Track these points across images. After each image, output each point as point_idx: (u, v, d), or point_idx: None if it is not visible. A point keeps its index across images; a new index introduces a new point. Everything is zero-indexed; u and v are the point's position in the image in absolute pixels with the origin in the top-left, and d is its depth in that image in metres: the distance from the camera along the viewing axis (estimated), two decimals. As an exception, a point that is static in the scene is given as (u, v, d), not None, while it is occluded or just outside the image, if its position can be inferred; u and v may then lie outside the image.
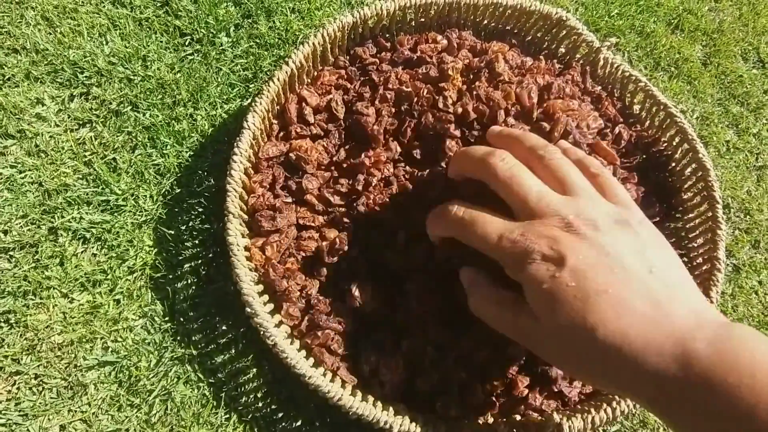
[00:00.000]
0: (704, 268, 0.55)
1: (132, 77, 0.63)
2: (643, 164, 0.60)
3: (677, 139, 0.60)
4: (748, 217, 0.66)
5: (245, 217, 0.51)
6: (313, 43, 0.53)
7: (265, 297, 0.49)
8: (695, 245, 0.57)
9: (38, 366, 0.52)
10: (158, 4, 0.66)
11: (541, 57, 0.62)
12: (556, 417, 0.46)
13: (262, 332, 0.46)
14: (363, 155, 0.51)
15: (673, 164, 0.60)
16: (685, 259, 0.57)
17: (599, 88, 0.63)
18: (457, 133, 0.51)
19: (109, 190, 0.58)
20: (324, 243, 0.49)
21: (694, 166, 0.58)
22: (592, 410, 0.46)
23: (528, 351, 0.47)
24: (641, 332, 0.29)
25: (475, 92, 0.52)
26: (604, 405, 0.46)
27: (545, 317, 0.32)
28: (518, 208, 0.36)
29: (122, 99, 0.62)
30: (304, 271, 0.51)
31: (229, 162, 0.49)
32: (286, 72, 0.52)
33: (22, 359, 0.53)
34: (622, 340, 0.29)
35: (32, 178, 0.58)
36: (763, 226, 0.65)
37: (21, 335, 0.54)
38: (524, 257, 0.33)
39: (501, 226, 0.35)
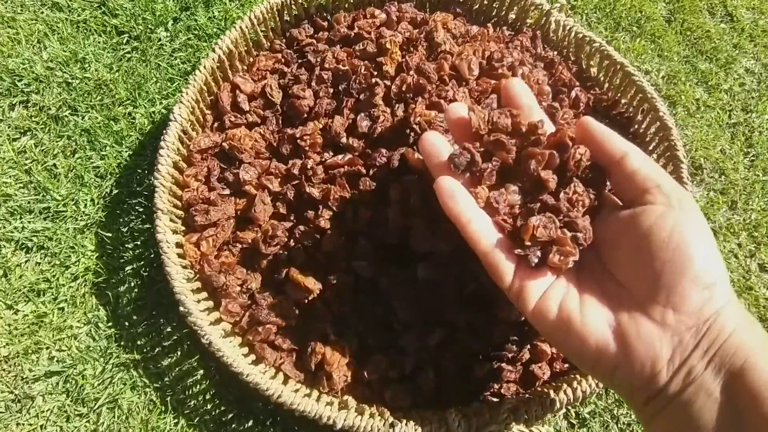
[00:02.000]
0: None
1: (71, 81, 0.61)
2: (605, 129, 0.57)
3: (637, 100, 0.56)
4: (723, 177, 0.62)
5: (180, 213, 0.49)
6: (241, 28, 0.51)
7: (204, 294, 0.47)
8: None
9: (-14, 381, 0.51)
10: (95, 5, 0.65)
11: (489, 25, 0.59)
12: (514, 401, 0.43)
13: (197, 331, 0.43)
14: (295, 130, 0.49)
15: (636, 126, 0.57)
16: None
17: (553, 52, 0.60)
18: (388, 110, 0.48)
19: (50, 196, 0.56)
20: (259, 234, 0.47)
21: (656, 125, 0.55)
22: (551, 392, 0.43)
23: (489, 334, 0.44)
24: None
25: (408, 65, 0.49)
26: (564, 386, 0.43)
27: None
28: None
29: (61, 104, 0.60)
30: (244, 264, 0.48)
31: (156, 157, 0.47)
32: (213, 59, 0.50)
33: (-31, 375, 0.51)
34: None
35: (-26, 190, 0.57)
36: (740, 185, 0.62)
37: (-32, 350, 0.52)
38: None
39: None
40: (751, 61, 0.69)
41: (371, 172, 0.49)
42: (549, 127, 0.36)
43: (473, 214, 0.33)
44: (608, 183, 0.34)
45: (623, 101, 0.58)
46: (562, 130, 0.33)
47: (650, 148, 0.56)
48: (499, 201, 0.34)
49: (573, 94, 0.57)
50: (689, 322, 0.27)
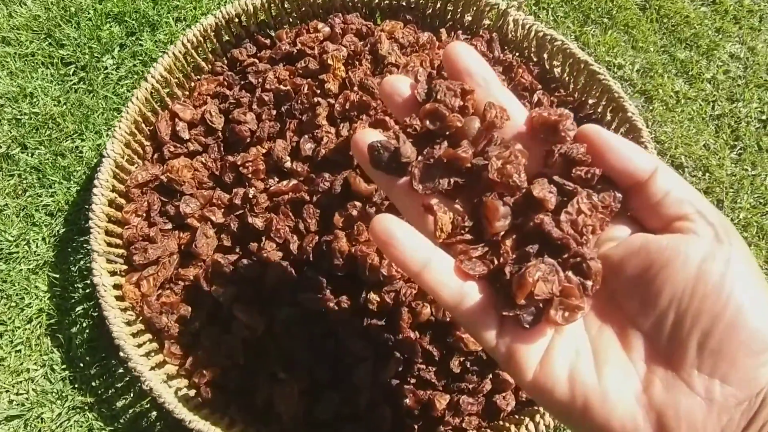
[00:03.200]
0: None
1: (20, 117, 0.60)
2: (571, 132, 0.53)
3: (605, 100, 0.52)
4: (707, 174, 0.58)
5: (121, 251, 0.47)
6: (174, 53, 0.49)
7: (148, 336, 0.45)
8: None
9: (-52, 428, 0.51)
10: (42, 36, 0.63)
11: (443, 30, 0.56)
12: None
13: (137, 377, 0.42)
14: (237, 156, 0.47)
15: (605, 128, 0.53)
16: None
17: (512, 55, 0.56)
18: (332, 130, 0.45)
19: (2, 237, 0.55)
20: (201, 270, 0.45)
21: (625, 127, 0.51)
22: (512, 427, 0.40)
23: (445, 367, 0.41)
24: None
25: (351, 82, 0.46)
26: (526, 420, 0.40)
27: None
28: None
29: (11, 141, 0.59)
30: (188, 302, 0.47)
31: (90, 196, 0.45)
32: (146, 89, 0.48)
33: (-69, 422, 0.51)
34: None
35: (-72, 235, 0.57)
36: (726, 182, 0.57)
37: (-71, 398, 0.52)
38: None
39: None
40: (736, 45, 0.64)
41: (314, 198, 0.46)
42: (518, 113, 0.25)
43: (426, 257, 0.24)
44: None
45: (590, 102, 0.54)
46: (540, 113, 0.24)
47: (620, 151, 0.52)
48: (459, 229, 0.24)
49: (535, 98, 0.53)
50: (740, 396, 0.21)
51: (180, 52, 0.49)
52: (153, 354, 0.44)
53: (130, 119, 0.47)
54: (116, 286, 0.45)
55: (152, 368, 0.43)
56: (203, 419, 0.41)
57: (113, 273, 0.45)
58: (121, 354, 0.42)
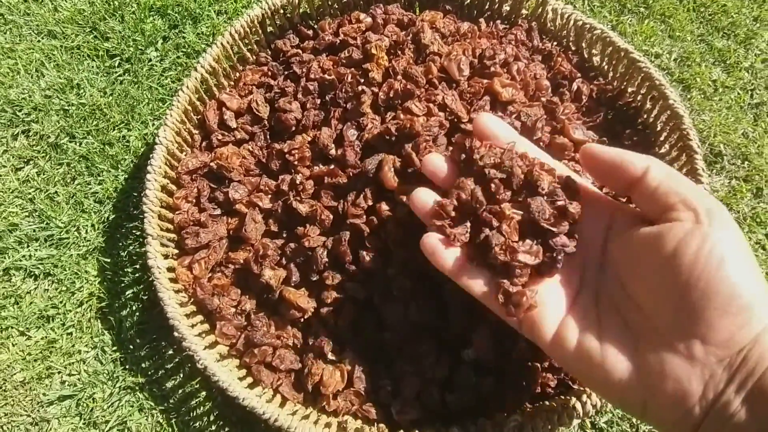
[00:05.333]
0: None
1: (67, 108, 0.62)
2: (611, 120, 0.54)
3: (645, 88, 0.53)
4: (746, 163, 0.58)
5: (173, 236, 0.49)
6: (222, 44, 0.50)
7: (200, 317, 0.47)
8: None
9: (5, 405, 0.52)
10: (87, 30, 0.65)
11: (482, 20, 0.56)
12: (518, 418, 0.41)
13: (192, 356, 0.43)
14: (283, 144, 0.48)
15: (645, 116, 0.53)
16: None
17: (551, 44, 0.56)
18: (377, 117, 0.46)
19: (53, 224, 0.57)
20: (251, 254, 0.46)
21: (667, 114, 0.51)
22: (559, 407, 0.41)
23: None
24: None
25: (395, 70, 0.47)
26: (573, 399, 0.41)
27: None
28: None
29: (60, 131, 0.61)
30: (238, 285, 0.48)
31: (144, 182, 0.47)
32: (196, 78, 0.49)
33: (-10, 399, 0.53)
34: None
35: (-16, 221, 0.59)
36: (765, 170, 0.57)
37: (-13, 375, 0.54)
38: None
39: None
40: (774, 33, 0.64)
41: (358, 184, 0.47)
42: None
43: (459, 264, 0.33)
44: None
45: (630, 90, 0.54)
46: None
47: (661, 139, 0.52)
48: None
49: (574, 86, 0.54)
50: (720, 354, 0.24)
51: (228, 42, 0.50)
52: (205, 335, 0.46)
53: (180, 108, 0.48)
54: (169, 269, 0.46)
55: (206, 348, 0.44)
56: (256, 397, 0.42)
57: (166, 256, 0.47)
58: (176, 334, 0.44)
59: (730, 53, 0.62)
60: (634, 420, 0.50)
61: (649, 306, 0.27)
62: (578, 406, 0.41)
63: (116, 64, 0.63)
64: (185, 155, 0.51)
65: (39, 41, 0.66)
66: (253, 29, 0.52)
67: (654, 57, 0.61)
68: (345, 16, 0.55)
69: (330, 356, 0.45)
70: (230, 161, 0.49)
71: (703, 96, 0.60)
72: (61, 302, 0.55)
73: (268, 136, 0.52)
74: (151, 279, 0.54)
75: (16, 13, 0.68)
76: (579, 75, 0.55)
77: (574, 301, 0.31)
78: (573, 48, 0.57)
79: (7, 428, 0.52)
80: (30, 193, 0.59)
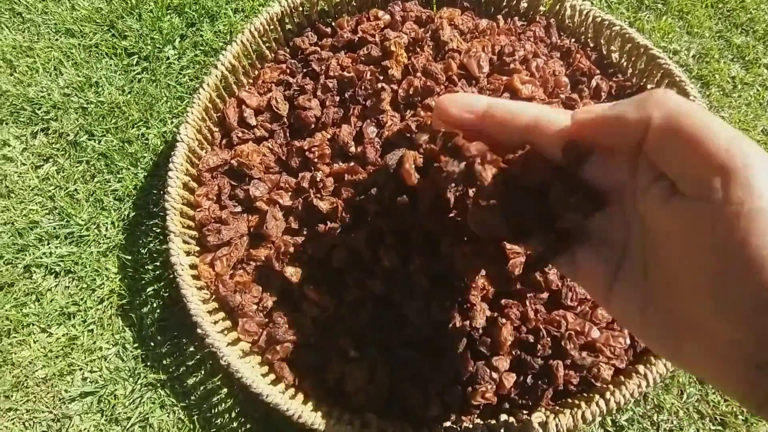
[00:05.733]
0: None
1: (86, 106, 0.62)
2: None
3: (665, 84, 0.52)
4: (766, 160, 0.57)
5: (194, 233, 0.49)
6: (242, 41, 0.50)
7: (221, 314, 0.47)
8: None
9: (27, 401, 0.53)
10: (105, 28, 0.66)
11: (500, 17, 0.56)
12: (542, 415, 0.41)
13: (215, 352, 0.43)
14: (303, 142, 0.48)
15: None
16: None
17: (570, 40, 0.56)
18: (397, 115, 0.46)
19: (73, 221, 0.57)
20: (272, 251, 0.47)
21: (687, 111, 0.51)
22: (582, 404, 0.41)
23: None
24: None
25: (415, 67, 0.47)
26: (597, 397, 0.41)
27: None
28: None
29: (79, 129, 0.61)
30: (259, 282, 0.48)
31: (166, 179, 0.47)
32: (216, 76, 0.49)
33: (12, 396, 0.53)
34: None
35: (4, 219, 0.59)
36: (786, 168, 0.57)
37: (9, 372, 0.54)
38: None
39: None
40: (793, 29, 0.63)
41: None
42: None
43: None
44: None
45: (649, 86, 0.54)
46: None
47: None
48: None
49: (593, 83, 0.53)
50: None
51: (248, 40, 0.50)
52: (227, 332, 0.46)
53: (201, 105, 0.49)
54: (191, 266, 0.47)
55: (228, 345, 0.44)
56: (279, 393, 0.42)
57: (188, 253, 0.47)
58: (199, 331, 0.44)
59: (749, 50, 0.62)
60: (655, 418, 0.50)
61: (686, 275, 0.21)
62: (601, 403, 0.41)
63: (134, 62, 0.63)
64: (205, 153, 0.51)
65: (57, 39, 0.67)
66: (272, 27, 0.52)
67: (672, 54, 0.61)
68: (363, 13, 0.55)
69: (352, 353, 0.45)
70: (251, 158, 0.49)
71: (722, 93, 0.60)
72: (81, 299, 0.55)
73: (287, 134, 0.52)
74: (171, 276, 0.55)
75: (34, 12, 0.69)
76: (598, 72, 0.54)
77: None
78: (591, 45, 0.57)
79: (29, 424, 0.52)
80: (50, 191, 0.59)
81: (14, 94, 0.64)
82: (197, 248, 0.49)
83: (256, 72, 0.55)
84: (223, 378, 0.51)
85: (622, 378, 0.42)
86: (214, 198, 0.50)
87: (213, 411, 0.50)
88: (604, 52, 0.56)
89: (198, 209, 0.49)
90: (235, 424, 0.50)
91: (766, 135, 0.59)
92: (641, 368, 0.41)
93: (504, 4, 0.58)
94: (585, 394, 0.43)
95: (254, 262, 0.48)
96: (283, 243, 0.47)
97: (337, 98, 0.51)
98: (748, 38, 0.62)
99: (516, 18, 0.57)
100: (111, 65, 0.64)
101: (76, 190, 0.59)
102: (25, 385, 0.54)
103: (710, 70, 0.60)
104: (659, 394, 0.51)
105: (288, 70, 0.54)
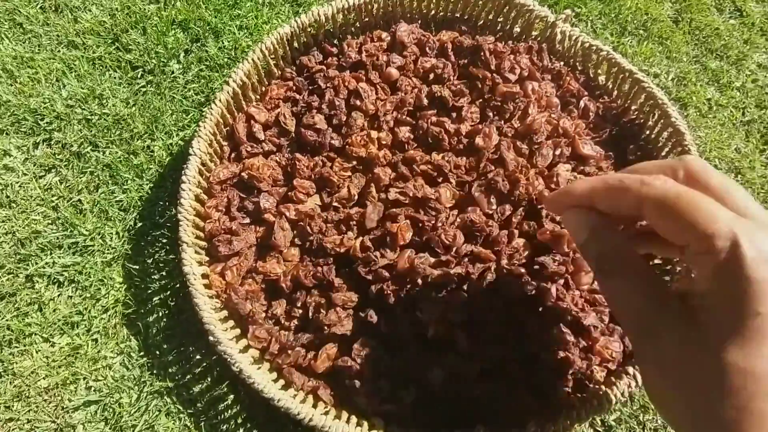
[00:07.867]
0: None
1: (90, 117, 0.63)
2: (616, 136, 0.57)
3: (648, 106, 0.56)
4: (739, 176, 0.62)
5: (203, 244, 0.50)
6: (253, 59, 0.52)
7: (231, 323, 0.48)
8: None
9: (28, 411, 0.53)
10: (109, 41, 0.67)
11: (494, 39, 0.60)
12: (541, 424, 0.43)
13: (227, 359, 0.45)
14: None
15: (647, 132, 0.57)
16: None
17: (559, 63, 0.60)
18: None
19: (77, 231, 0.58)
20: (279, 261, 0.48)
21: (668, 131, 0.55)
22: (577, 403, 0.44)
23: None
24: None
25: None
26: (593, 400, 0.44)
27: None
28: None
29: (82, 140, 0.62)
30: (269, 290, 0.50)
31: (179, 191, 0.48)
32: (228, 92, 0.51)
33: (13, 406, 0.53)
34: None
35: (5, 228, 0.59)
36: (757, 183, 0.61)
37: (10, 382, 0.54)
38: None
39: None
40: (763, 56, 0.69)
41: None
42: None
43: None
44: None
45: (633, 108, 0.58)
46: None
47: (663, 153, 0.56)
48: None
49: (582, 104, 0.57)
50: None
51: (258, 58, 0.52)
52: (237, 339, 0.47)
53: (213, 120, 0.50)
54: (203, 276, 0.48)
55: (240, 351, 0.46)
56: (290, 398, 0.44)
57: (199, 263, 0.49)
58: (210, 338, 0.45)
59: (723, 73, 0.66)
60: (641, 417, 0.53)
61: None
62: (595, 402, 0.44)
63: (139, 76, 0.64)
64: (215, 166, 0.53)
65: (59, 51, 0.67)
66: (281, 45, 0.54)
67: (653, 77, 0.66)
68: (367, 34, 0.58)
69: (361, 356, 0.47)
70: (261, 172, 0.51)
71: (698, 113, 0.64)
72: (85, 309, 0.56)
73: (294, 148, 0.54)
74: (177, 286, 0.56)
75: (35, 23, 0.69)
76: (586, 93, 0.58)
77: None
78: (580, 68, 0.60)
79: (30, 434, 0.53)
80: (53, 201, 0.60)
81: (15, 105, 0.65)
82: (206, 258, 0.50)
83: (264, 88, 0.57)
84: (230, 385, 0.52)
85: (613, 379, 0.45)
86: (224, 209, 0.52)
87: (219, 418, 0.51)
88: (592, 75, 0.60)
89: (208, 220, 0.51)
90: (241, 430, 0.51)
91: (739, 153, 0.63)
92: (630, 369, 0.45)
93: (498, 28, 0.62)
94: (579, 394, 0.46)
95: (263, 272, 0.49)
96: (289, 254, 0.48)
97: (344, 117, 0.53)
98: (722, 63, 0.67)
99: (510, 42, 0.60)
100: (115, 78, 0.65)
101: (80, 200, 0.59)
102: (27, 395, 0.53)
103: (688, 92, 0.65)
104: (644, 395, 0.54)
105: (294, 87, 0.56)
